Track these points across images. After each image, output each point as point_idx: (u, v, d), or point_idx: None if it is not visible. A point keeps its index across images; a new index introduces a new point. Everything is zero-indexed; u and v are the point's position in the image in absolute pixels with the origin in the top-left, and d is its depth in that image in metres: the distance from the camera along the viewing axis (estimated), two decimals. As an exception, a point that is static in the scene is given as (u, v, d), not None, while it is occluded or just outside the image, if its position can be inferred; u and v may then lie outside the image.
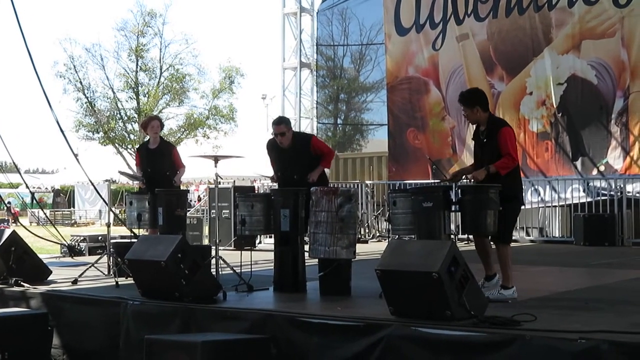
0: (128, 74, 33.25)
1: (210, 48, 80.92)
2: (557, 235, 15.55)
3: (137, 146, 32.51)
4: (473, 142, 7.31)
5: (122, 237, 11.56)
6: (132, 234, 9.68)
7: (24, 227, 12.88)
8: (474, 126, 7.22)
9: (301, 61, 21.55)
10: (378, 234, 16.86)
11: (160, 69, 33.39)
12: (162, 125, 10.04)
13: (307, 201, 7.51)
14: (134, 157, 10.54)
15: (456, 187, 7.21)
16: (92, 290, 7.75)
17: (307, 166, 8.18)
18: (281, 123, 8.29)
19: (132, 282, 7.33)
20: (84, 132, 33.20)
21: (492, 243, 6.97)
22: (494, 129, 6.93)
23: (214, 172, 8.23)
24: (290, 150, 8.22)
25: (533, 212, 15.92)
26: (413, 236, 7.23)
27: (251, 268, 8.07)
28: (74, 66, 32.57)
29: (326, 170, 8.73)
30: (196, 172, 24.03)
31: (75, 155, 13.65)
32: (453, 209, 6.88)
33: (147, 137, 9.90)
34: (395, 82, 18.73)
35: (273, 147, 8.38)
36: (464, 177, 7.30)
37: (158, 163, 9.49)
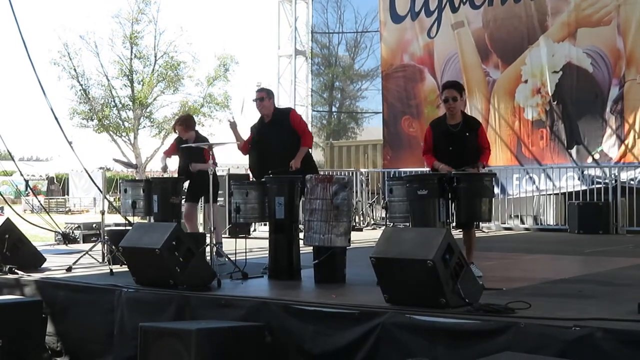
0: (122, 61, 33.13)
1: (205, 35, 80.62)
2: (551, 223, 15.58)
3: (131, 134, 32.61)
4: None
5: (117, 224, 11.55)
6: (127, 222, 9.64)
7: (17, 214, 12.85)
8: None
9: (296, 49, 21.47)
10: (373, 222, 16.87)
11: (155, 57, 33.28)
12: (187, 126, 9.71)
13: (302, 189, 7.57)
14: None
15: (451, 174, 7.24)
16: (86, 278, 7.73)
17: (286, 140, 8.43)
18: (262, 90, 8.62)
19: (127, 269, 7.31)
20: (79, 120, 33.12)
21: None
22: (472, 124, 7.39)
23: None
24: (270, 124, 8.51)
25: (528, 200, 15.96)
26: (408, 224, 7.24)
27: (246, 256, 8.07)
28: (68, 53, 32.46)
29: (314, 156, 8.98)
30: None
31: (70, 143, 13.60)
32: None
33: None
34: (390, 70, 18.69)
35: (256, 123, 8.66)
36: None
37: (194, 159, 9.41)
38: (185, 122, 9.80)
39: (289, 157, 8.26)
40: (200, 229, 12.19)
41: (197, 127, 10.03)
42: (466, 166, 7.09)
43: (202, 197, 9.69)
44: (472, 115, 7.89)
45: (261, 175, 8.12)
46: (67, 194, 39.55)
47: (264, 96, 8.54)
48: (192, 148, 9.22)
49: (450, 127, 7.27)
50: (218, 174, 12.12)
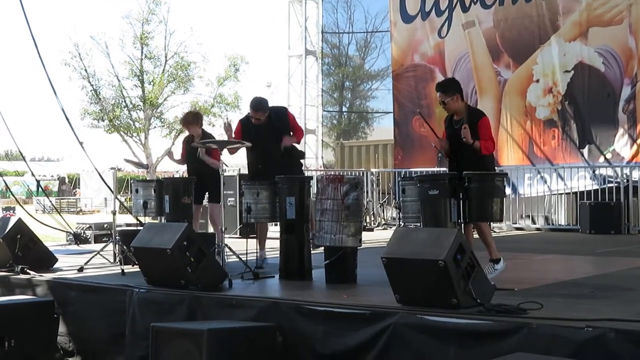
0: (133, 61, 33.18)
1: (215, 36, 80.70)
2: (563, 223, 15.53)
3: (142, 134, 32.70)
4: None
5: (128, 224, 11.58)
6: (138, 222, 9.66)
7: (29, 214, 12.90)
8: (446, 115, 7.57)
9: (306, 49, 21.47)
10: (384, 222, 16.86)
11: (165, 57, 33.31)
12: (198, 121, 9.85)
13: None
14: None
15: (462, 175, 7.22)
16: (98, 278, 7.75)
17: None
18: (259, 110, 8.56)
19: (138, 270, 7.33)
20: (89, 120, 33.19)
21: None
22: (474, 118, 7.26)
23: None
24: (266, 125, 8.51)
25: (539, 200, 15.91)
26: (419, 224, 7.23)
27: (257, 256, 8.07)
28: (79, 54, 32.54)
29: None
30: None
31: (81, 143, 13.63)
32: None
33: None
34: (401, 70, 18.66)
35: (248, 123, 8.62)
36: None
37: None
38: (195, 117, 9.88)
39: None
40: (211, 229, 12.20)
41: (207, 128, 10.07)
42: (466, 165, 7.03)
43: (208, 196, 9.72)
44: (477, 108, 7.83)
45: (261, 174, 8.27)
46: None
47: (262, 115, 8.56)
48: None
49: (454, 123, 7.34)
50: (228, 174, 12.14)
